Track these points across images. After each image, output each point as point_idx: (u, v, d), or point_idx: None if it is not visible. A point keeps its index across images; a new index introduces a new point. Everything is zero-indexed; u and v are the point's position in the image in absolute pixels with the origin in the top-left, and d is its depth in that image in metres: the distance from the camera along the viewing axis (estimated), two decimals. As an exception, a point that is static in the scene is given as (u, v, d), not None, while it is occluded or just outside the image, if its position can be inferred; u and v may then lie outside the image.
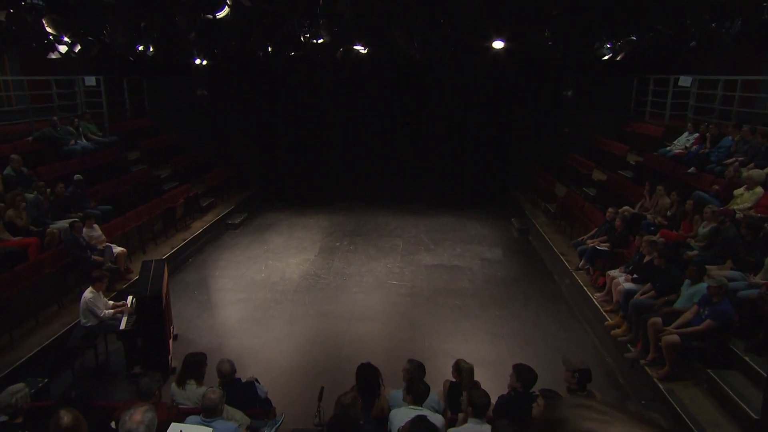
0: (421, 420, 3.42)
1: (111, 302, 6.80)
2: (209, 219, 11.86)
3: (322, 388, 4.57)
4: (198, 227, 11.25)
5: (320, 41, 10.16)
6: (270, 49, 11.28)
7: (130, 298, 6.99)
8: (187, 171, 13.13)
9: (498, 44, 9.63)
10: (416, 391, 4.03)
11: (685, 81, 11.47)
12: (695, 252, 6.75)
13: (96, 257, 7.86)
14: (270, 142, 14.87)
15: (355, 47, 11.69)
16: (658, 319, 5.76)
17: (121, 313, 6.58)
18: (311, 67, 13.87)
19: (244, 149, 14.94)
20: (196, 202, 11.87)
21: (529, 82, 13.74)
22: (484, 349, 7.12)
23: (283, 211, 13.90)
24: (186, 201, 11.20)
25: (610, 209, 8.71)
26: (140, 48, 8.23)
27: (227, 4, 6.02)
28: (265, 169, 15.10)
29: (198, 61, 12.83)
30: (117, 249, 8.28)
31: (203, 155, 14.36)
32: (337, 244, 11.39)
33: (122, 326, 6.31)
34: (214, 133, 14.70)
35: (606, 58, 10.32)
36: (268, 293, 8.80)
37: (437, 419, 3.85)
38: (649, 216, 8.37)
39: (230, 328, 7.67)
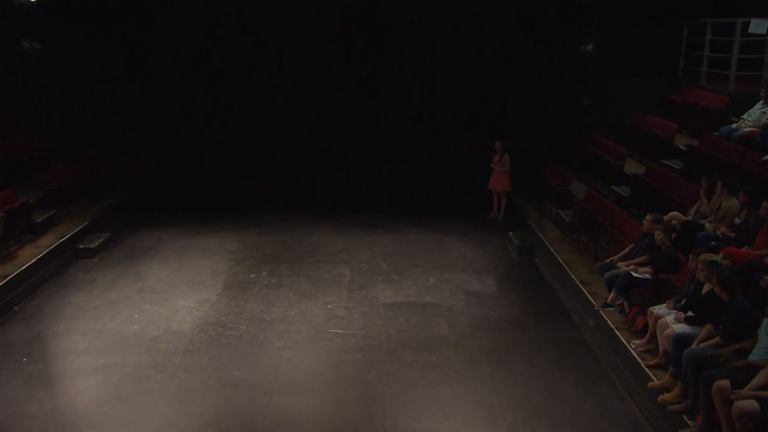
0: None
1: None
2: (47, 243, 11.55)
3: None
4: (29, 256, 10.93)
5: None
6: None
7: None
8: (7, 169, 12.70)
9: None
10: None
11: (757, 27, 11.71)
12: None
13: None
14: (145, 124, 14.57)
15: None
16: (726, 382, 5.79)
17: None
18: (208, 7, 13.60)
19: (104, 135, 14.55)
20: (24, 217, 11.52)
21: (533, 34, 13.98)
22: (473, 427, 7.07)
23: (168, 228, 13.65)
24: (8, 215, 10.80)
25: (648, 216, 8.85)
26: None
27: None
28: (139, 165, 14.79)
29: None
30: None
31: (35, 145, 13.97)
32: (252, 275, 11.27)
33: None
34: (53, 111, 14.27)
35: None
36: (143, 355, 8.59)
37: None
38: (707, 225, 8.54)
39: (82, 412, 7.39)
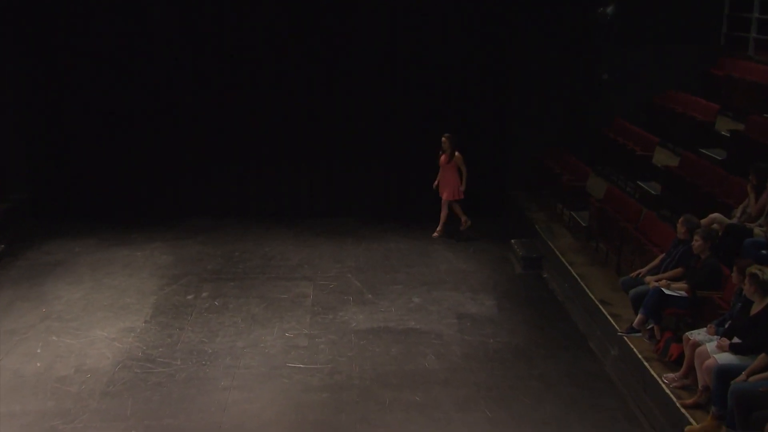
0: None
1: None
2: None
3: None
4: None
5: None
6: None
7: None
8: None
9: None
10: None
11: None
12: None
13: None
14: (53, 108, 14.42)
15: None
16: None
17: None
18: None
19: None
20: None
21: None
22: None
23: (82, 238, 13.55)
24: None
25: (683, 219, 8.85)
26: None
27: None
28: (44, 158, 14.64)
29: None
30: None
31: None
32: (190, 297, 11.21)
33: None
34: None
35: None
36: (48, 401, 8.43)
37: None
38: (757, 230, 8.58)
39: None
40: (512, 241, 12.97)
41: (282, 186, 14.66)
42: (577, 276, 10.73)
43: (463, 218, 13.67)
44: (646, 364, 8.21)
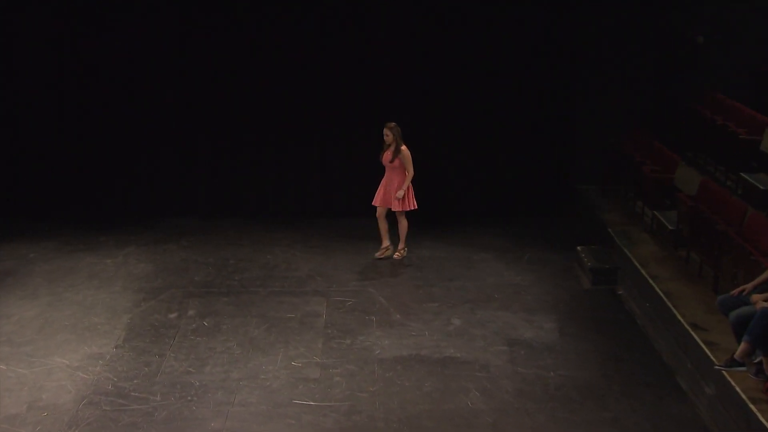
0: None
1: None
2: None
3: None
4: None
5: None
6: None
7: None
8: None
9: None
10: None
11: None
12: None
13: None
14: (3, 86, 14.63)
15: None
16: None
17: None
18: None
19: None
20: None
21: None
22: None
23: (38, 241, 13.77)
24: None
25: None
26: None
27: None
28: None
29: None
30: None
31: None
32: (172, 316, 11.30)
33: None
34: None
35: None
36: None
37: None
38: None
39: None
40: (579, 248, 12.99)
41: (288, 179, 14.75)
42: (662, 293, 10.65)
43: (402, 243, 13.12)
44: (751, 406, 8.06)
